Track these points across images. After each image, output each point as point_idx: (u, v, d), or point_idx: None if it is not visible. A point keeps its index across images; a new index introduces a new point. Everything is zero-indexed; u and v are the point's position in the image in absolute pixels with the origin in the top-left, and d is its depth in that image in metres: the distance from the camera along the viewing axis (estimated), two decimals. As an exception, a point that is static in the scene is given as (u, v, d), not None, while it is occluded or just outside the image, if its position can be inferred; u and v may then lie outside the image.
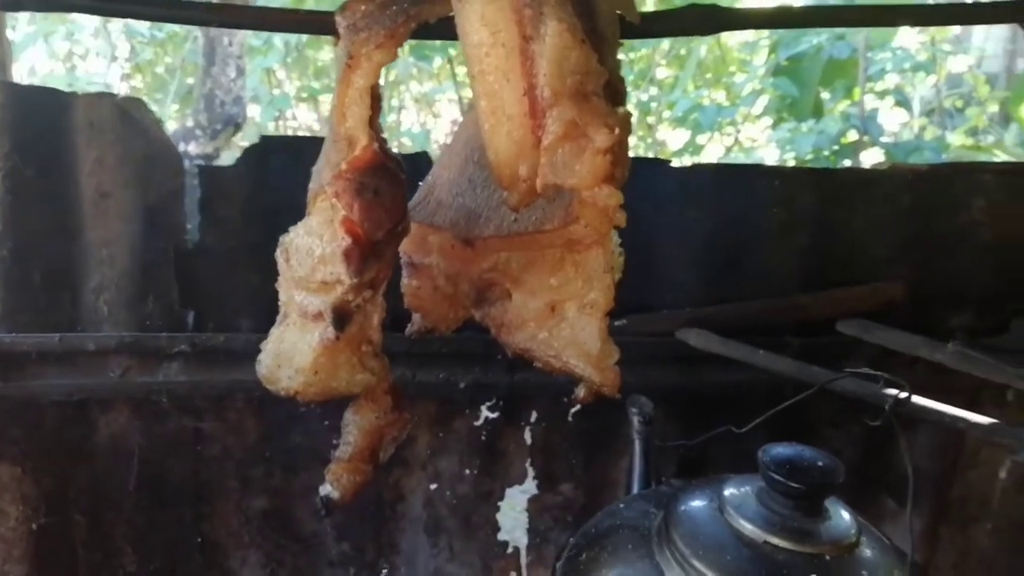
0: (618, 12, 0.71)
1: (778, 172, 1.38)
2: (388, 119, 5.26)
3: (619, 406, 1.36)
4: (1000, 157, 3.74)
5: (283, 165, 1.16)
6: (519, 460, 1.36)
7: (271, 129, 4.98)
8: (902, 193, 1.34)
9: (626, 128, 0.66)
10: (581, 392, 0.76)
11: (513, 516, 1.40)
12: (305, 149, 1.16)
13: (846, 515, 0.80)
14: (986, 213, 1.37)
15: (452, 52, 5.32)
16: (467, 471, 1.35)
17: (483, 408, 1.31)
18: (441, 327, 0.86)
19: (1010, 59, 5.11)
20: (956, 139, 4.30)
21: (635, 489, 1.07)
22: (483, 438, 1.34)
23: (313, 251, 0.73)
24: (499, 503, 1.37)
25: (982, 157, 3.82)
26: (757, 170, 1.50)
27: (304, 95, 5.52)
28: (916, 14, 0.89)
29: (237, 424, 1.25)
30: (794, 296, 1.34)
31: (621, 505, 0.93)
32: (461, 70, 5.55)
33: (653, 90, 5.19)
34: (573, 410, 1.36)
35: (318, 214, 0.74)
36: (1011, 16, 0.92)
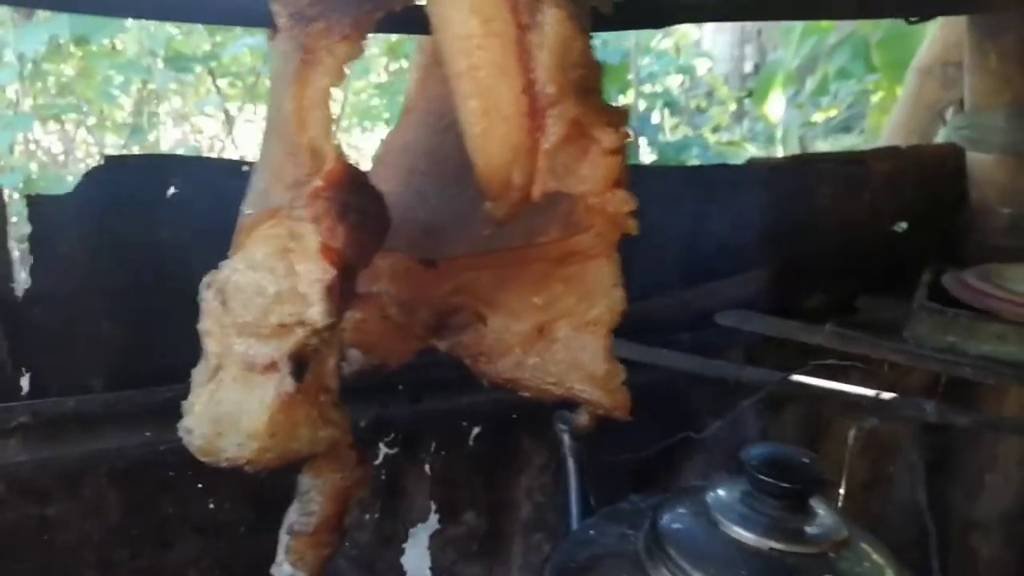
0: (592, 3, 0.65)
1: (649, 171, 1.39)
2: (147, 138, 4.85)
3: (516, 422, 1.32)
4: (749, 151, 4.15)
5: (134, 189, 0.98)
6: (421, 495, 1.26)
7: (13, 156, 4.40)
8: (761, 186, 1.39)
9: (626, 125, 0.61)
10: (583, 419, 0.69)
11: (417, 556, 1.29)
12: (159, 169, 1.00)
13: (830, 512, 0.80)
14: (830, 199, 1.47)
15: (213, 64, 5.00)
16: (367, 516, 1.22)
17: (382, 445, 1.20)
18: (391, 362, 0.76)
19: (737, 62, 5.69)
20: (708, 136, 4.72)
21: (574, 512, 1.02)
22: (383, 478, 1.22)
23: (265, 289, 0.61)
24: (403, 545, 1.26)
25: (737, 152, 4.21)
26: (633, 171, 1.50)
27: (47, 115, 4.94)
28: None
29: (95, 502, 1.04)
30: (677, 293, 1.36)
31: (591, 532, 0.87)
32: (223, 82, 5.22)
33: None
34: (474, 432, 1.29)
35: (264, 244, 0.61)
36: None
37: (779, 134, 4.99)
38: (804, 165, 1.44)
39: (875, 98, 4.50)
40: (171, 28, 4.70)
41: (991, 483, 1.63)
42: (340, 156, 0.57)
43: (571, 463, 1.02)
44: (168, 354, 1.05)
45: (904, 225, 1.59)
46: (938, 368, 1.22)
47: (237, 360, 0.64)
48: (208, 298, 0.63)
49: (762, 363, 1.45)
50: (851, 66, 4.59)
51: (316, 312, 0.58)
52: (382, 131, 5.50)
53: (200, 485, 1.11)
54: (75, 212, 0.95)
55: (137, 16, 0.63)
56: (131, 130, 4.77)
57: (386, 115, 5.30)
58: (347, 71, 0.56)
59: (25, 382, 0.98)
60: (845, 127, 5.32)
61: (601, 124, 0.58)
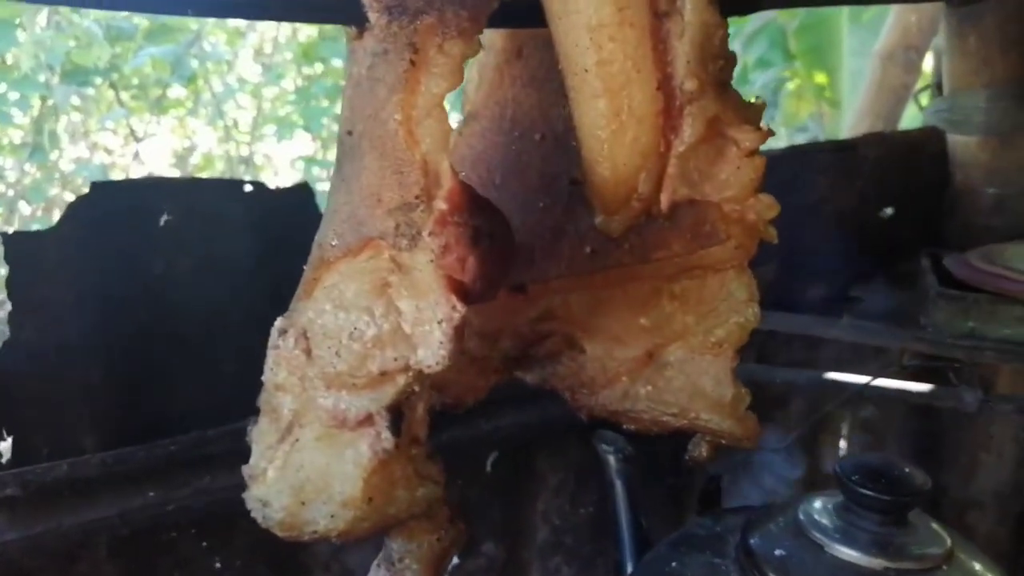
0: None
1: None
2: (48, 158, 4.55)
3: (531, 442, 1.24)
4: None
5: (123, 219, 0.86)
6: (442, 529, 1.17)
7: None
8: (768, 176, 1.35)
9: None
10: (703, 450, 0.62)
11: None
12: (150, 195, 0.89)
13: (930, 523, 0.76)
14: (828, 189, 1.44)
15: (115, 76, 4.74)
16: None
17: (401, 480, 1.10)
18: (467, 399, 0.67)
19: None
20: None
21: (627, 541, 0.95)
22: (403, 515, 1.12)
23: (362, 333, 0.51)
24: (426, 585, 1.17)
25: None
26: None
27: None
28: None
29: (93, 577, 0.91)
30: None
31: (672, 564, 0.80)
32: (127, 95, 4.95)
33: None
34: (491, 458, 1.20)
35: (357, 279, 0.51)
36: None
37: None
38: (803, 155, 1.41)
39: (791, 85, 4.60)
40: (68, 40, 4.42)
41: (985, 461, 1.64)
42: (456, 173, 0.48)
43: (620, 488, 0.95)
44: (169, 403, 0.94)
45: (890, 211, 1.59)
46: (961, 355, 1.21)
47: (322, 416, 0.54)
48: (285, 346, 0.54)
49: (773, 360, 1.43)
50: (769, 55, 4.67)
51: (431, 356, 0.49)
52: (299, 139, 5.32)
53: (205, 544, 0.99)
54: (58, 249, 0.83)
55: (159, 11, 0.52)
56: (31, 150, 4.46)
57: (301, 123, 5.13)
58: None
59: (7, 447, 0.85)
60: (759, 115, 5.45)
61: (739, 122, 0.52)
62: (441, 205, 0.46)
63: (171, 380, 0.92)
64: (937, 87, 1.57)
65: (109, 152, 5.11)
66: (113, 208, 0.85)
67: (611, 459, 0.95)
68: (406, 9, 0.48)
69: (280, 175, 5.49)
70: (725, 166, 0.52)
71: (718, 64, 0.50)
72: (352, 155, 0.51)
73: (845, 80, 3.58)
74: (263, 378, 0.58)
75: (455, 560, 1.22)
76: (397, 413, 0.54)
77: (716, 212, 0.54)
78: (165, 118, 5.18)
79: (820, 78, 3.98)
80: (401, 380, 0.52)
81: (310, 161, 5.33)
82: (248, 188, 0.91)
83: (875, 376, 0.95)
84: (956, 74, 1.50)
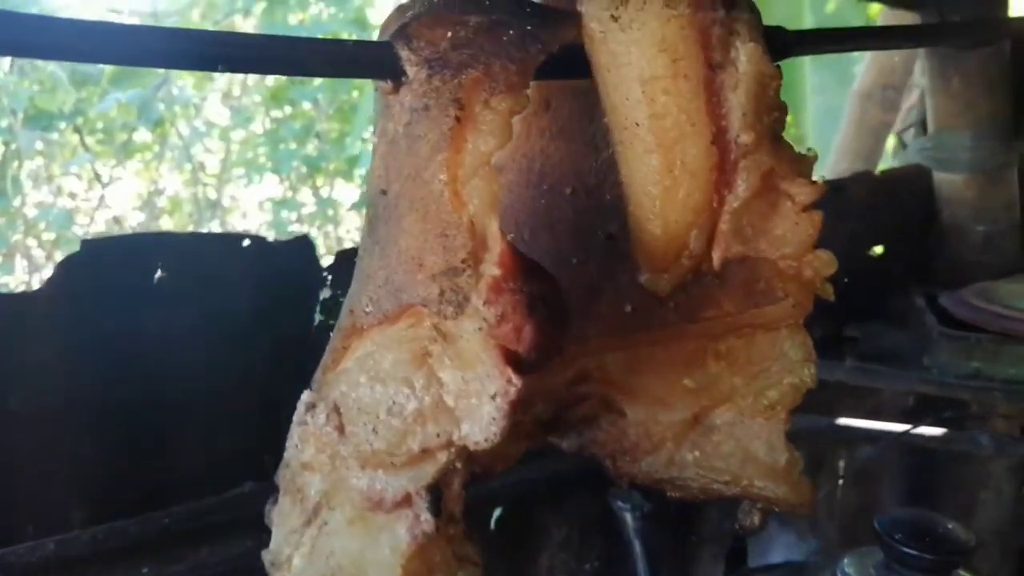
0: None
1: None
2: (11, 203, 4.44)
3: (535, 498, 1.20)
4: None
5: (115, 277, 0.81)
6: (446, 592, 1.12)
7: None
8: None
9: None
10: (755, 519, 0.58)
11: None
12: (143, 250, 0.84)
13: (973, 580, 0.74)
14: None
15: (79, 121, 4.67)
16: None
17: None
18: (497, 468, 0.63)
19: None
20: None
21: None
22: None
23: (402, 407, 0.47)
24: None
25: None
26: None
27: None
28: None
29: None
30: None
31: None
32: (91, 139, 4.88)
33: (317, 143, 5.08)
34: (495, 516, 1.16)
35: (395, 349, 0.48)
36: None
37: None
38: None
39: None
40: (32, 84, 4.36)
41: (984, 499, 1.63)
42: (505, 236, 0.45)
43: (639, 547, 0.92)
44: (163, 471, 0.88)
45: (880, 249, 1.59)
46: (968, 396, 1.20)
47: (355, 498, 0.50)
48: (314, 422, 0.50)
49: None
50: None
51: (480, 432, 0.46)
52: (268, 182, 5.27)
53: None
54: (46, 311, 0.78)
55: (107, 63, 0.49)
56: (-7, 196, 4.36)
57: (269, 166, 5.09)
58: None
59: (-13, 527, 0.79)
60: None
61: (793, 175, 0.49)
62: (494, 271, 0.43)
63: (166, 447, 0.86)
64: (922, 126, 1.59)
65: (73, 197, 5.02)
66: (104, 266, 0.81)
67: (628, 517, 0.91)
68: (448, 63, 0.45)
69: (248, 217, 5.43)
70: (780, 221, 0.50)
71: (773, 116, 0.48)
72: (389, 216, 0.48)
73: (810, 118, 3.64)
74: (286, 455, 0.54)
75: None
76: (437, 492, 0.50)
77: (771, 269, 0.52)
78: (131, 162, 5.11)
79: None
80: (443, 457, 0.48)
81: (279, 203, 5.28)
82: (246, 242, 0.87)
83: (884, 420, 0.93)
84: (940, 114, 1.51)
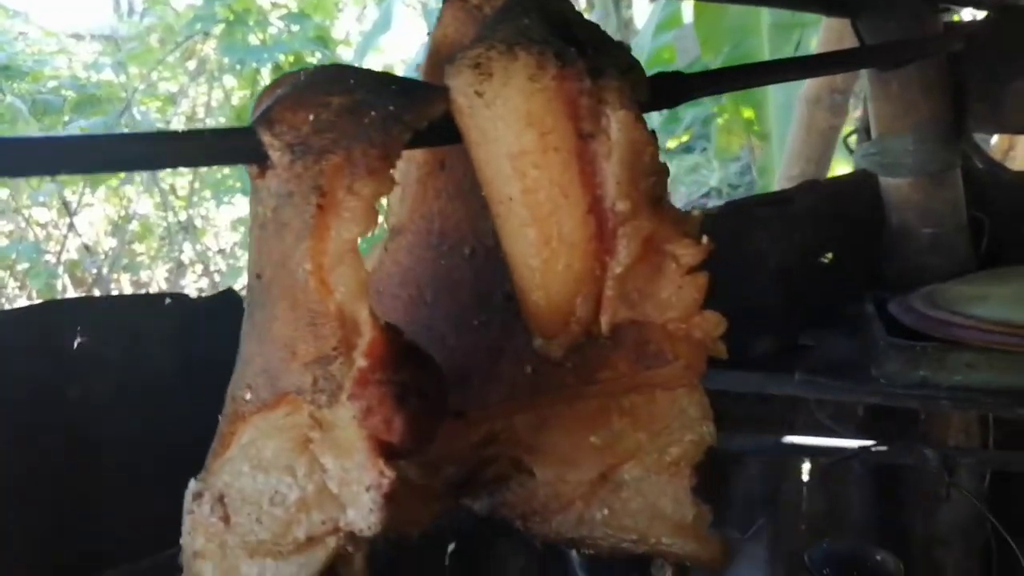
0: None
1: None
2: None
3: (489, 528, 1.19)
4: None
5: (32, 345, 0.80)
6: (401, 633, 1.11)
7: None
8: (709, 234, 1.34)
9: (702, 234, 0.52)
10: (668, 574, 0.58)
11: None
12: (60, 317, 0.83)
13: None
14: (768, 241, 1.44)
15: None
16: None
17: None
18: (411, 531, 0.62)
19: None
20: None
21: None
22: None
23: (284, 497, 0.47)
24: None
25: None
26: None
27: None
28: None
29: None
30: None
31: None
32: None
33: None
34: (449, 550, 1.15)
35: (275, 437, 0.47)
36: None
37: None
38: (741, 211, 1.40)
39: (720, 120, 4.70)
40: (-8, 113, 4.32)
41: (948, 499, 1.64)
42: (377, 321, 0.44)
43: (584, 582, 0.91)
44: (96, 538, 0.87)
45: (830, 256, 1.59)
46: (915, 404, 1.20)
47: (247, 587, 0.49)
48: (201, 513, 0.49)
49: (726, 417, 1.40)
50: (698, 92, 4.74)
51: (363, 520, 0.45)
52: (237, 203, 5.23)
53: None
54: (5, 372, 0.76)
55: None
56: (-40, 232, 4.31)
57: (239, 186, 5.05)
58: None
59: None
60: (688, 147, 5.56)
61: (677, 237, 0.49)
62: (361, 362, 0.42)
63: (97, 513, 0.85)
64: (865, 131, 1.59)
65: (43, 226, 4.97)
66: (20, 334, 0.79)
67: (574, 553, 0.91)
68: (310, 148, 0.44)
69: (221, 237, 5.38)
70: (666, 284, 0.49)
71: (650, 181, 0.48)
72: (262, 302, 0.47)
73: (771, 114, 3.66)
74: (181, 541, 0.53)
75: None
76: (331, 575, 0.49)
77: (660, 332, 0.51)
78: (99, 188, 5.06)
79: (748, 113, 4.06)
80: (331, 543, 0.48)
81: (250, 223, 5.23)
82: (168, 301, 0.85)
83: (831, 435, 0.93)
84: (882, 118, 1.52)
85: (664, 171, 0.49)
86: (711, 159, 5.40)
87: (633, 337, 0.52)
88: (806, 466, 1.66)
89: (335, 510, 0.46)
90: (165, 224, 5.09)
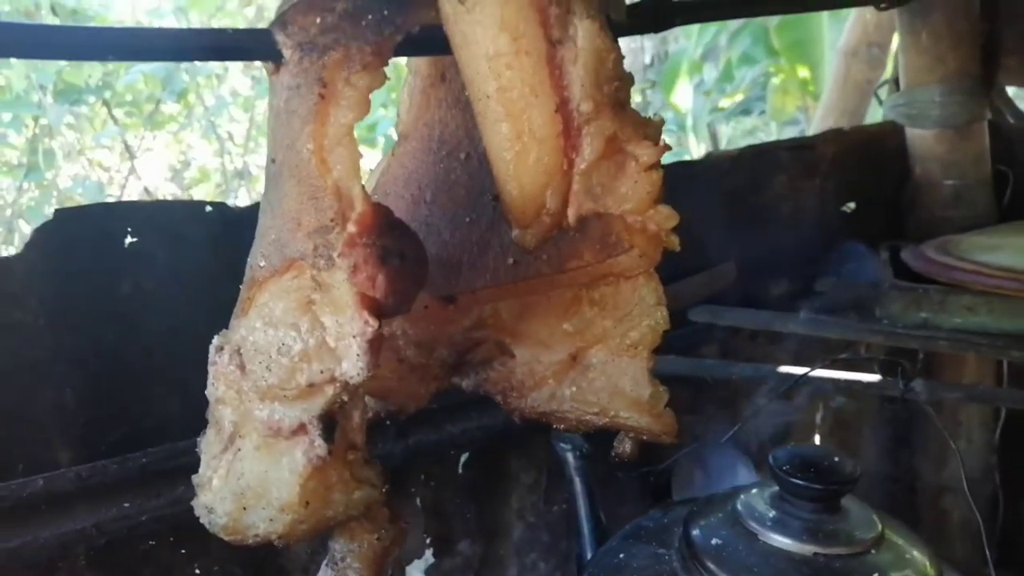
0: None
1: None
2: (45, 176, 4.59)
3: (502, 442, 1.28)
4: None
5: (89, 242, 0.90)
6: (415, 531, 1.21)
7: None
8: (720, 180, 1.39)
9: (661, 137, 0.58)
10: (627, 447, 0.65)
11: (416, 596, 1.24)
12: (114, 218, 0.92)
13: (862, 508, 0.79)
14: (788, 186, 1.48)
15: (108, 94, 4.77)
16: (361, 560, 1.16)
17: (372, 484, 1.14)
18: (410, 406, 0.71)
19: (635, 54, 5.79)
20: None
21: (587, 534, 0.99)
22: (375, 517, 1.16)
23: (289, 348, 0.55)
24: (400, 586, 1.21)
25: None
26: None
27: None
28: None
29: (73, 587, 0.95)
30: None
31: (620, 556, 0.84)
32: (120, 111, 4.99)
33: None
34: (463, 459, 1.24)
35: (284, 297, 0.55)
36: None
37: (689, 122, 5.09)
38: (760, 155, 1.44)
39: (776, 80, 4.64)
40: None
41: (956, 448, 1.67)
42: (368, 196, 0.52)
43: (579, 484, 0.99)
44: (139, 417, 0.97)
45: (852, 205, 1.62)
46: (915, 345, 1.24)
47: (259, 427, 0.58)
48: (221, 362, 0.57)
49: (737, 356, 1.46)
50: (753, 51, 4.70)
51: (352, 368, 0.53)
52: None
53: (184, 551, 1.03)
54: (25, 273, 0.87)
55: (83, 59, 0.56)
56: (26, 170, 4.50)
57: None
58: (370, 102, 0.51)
59: (-20, 466, 0.89)
60: (745, 109, 5.48)
61: (638, 138, 0.55)
62: (351, 228, 0.50)
63: (141, 395, 0.95)
64: (895, 82, 1.61)
65: (105, 169, 5.16)
66: (78, 231, 0.89)
67: (569, 456, 0.99)
68: (315, 46, 0.51)
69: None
70: (625, 180, 0.56)
71: (613, 85, 0.54)
72: (275, 182, 0.55)
73: (827, 74, 3.61)
74: (207, 392, 0.62)
75: (431, 559, 1.26)
76: (330, 421, 0.58)
77: (620, 224, 0.58)
78: (160, 133, 5.22)
79: (803, 72, 4.01)
80: (329, 391, 0.56)
81: (302, 171, 5.35)
82: (208, 208, 0.95)
83: (813, 368, 0.99)
84: (911, 69, 1.53)
85: (628, 78, 0.55)
86: (768, 122, 5.33)
87: (598, 230, 0.59)
88: (819, 413, 1.71)
89: (332, 362, 0.55)
90: (222, 170, 5.25)
